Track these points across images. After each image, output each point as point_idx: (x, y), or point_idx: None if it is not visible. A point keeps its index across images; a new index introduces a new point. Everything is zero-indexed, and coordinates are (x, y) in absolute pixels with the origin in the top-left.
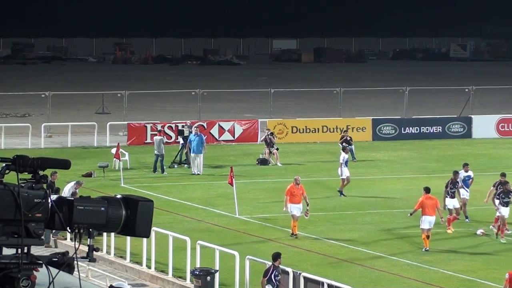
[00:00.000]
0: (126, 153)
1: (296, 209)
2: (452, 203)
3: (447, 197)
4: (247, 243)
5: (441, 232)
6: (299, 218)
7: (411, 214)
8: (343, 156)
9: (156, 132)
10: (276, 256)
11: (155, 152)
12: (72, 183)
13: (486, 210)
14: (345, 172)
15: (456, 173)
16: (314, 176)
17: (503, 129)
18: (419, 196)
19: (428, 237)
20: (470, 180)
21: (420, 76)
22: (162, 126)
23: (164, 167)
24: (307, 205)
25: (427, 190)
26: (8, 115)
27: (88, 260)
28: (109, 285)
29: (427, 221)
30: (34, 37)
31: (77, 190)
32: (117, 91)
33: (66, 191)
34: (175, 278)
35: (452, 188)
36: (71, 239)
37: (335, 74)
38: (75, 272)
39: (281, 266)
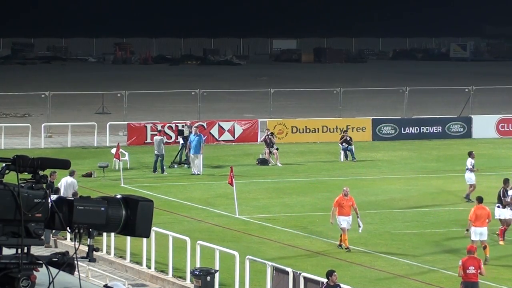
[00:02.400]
0: (126, 153)
1: (345, 221)
2: (503, 213)
3: (499, 207)
4: (247, 243)
5: (440, 233)
6: (348, 230)
7: (467, 230)
8: (470, 161)
9: (156, 132)
10: (328, 274)
11: (155, 152)
12: (67, 177)
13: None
14: (473, 178)
15: (507, 181)
16: (314, 176)
17: (503, 129)
18: (419, 196)
19: (484, 247)
20: None
21: (420, 76)
22: (162, 126)
23: (164, 167)
24: (357, 216)
25: (480, 199)
26: (8, 115)
27: (88, 260)
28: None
29: (478, 233)
30: (34, 37)
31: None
32: (117, 91)
33: (63, 184)
34: (175, 278)
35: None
36: (71, 239)
37: (335, 74)
38: (75, 272)
39: (281, 266)
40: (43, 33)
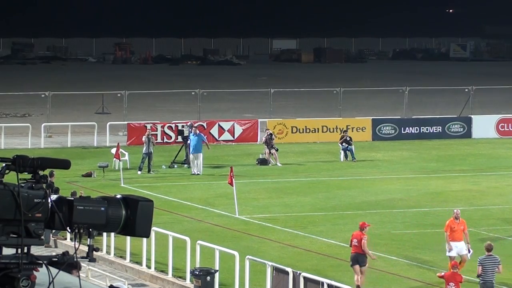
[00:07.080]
0: (126, 153)
1: (455, 248)
2: None
3: None
4: (247, 243)
5: (440, 233)
6: (464, 258)
7: None
8: None
9: (156, 132)
10: None
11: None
12: None
13: (485, 210)
14: None
15: None
16: (314, 176)
17: (503, 129)
18: (419, 196)
19: None
20: None
21: (420, 76)
22: (162, 126)
23: (151, 166)
24: (467, 242)
25: None
26: (8, 115)
27: (88, 260)
28: (109, 285)
29: None
30: (34, 37)
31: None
32: (117, 91)
33: None
34: (175, 278)
35: None
36: (71, 239)
37: (335, 74)
38: (75, 272)
39: (281, 266)
40: (43, 33)
